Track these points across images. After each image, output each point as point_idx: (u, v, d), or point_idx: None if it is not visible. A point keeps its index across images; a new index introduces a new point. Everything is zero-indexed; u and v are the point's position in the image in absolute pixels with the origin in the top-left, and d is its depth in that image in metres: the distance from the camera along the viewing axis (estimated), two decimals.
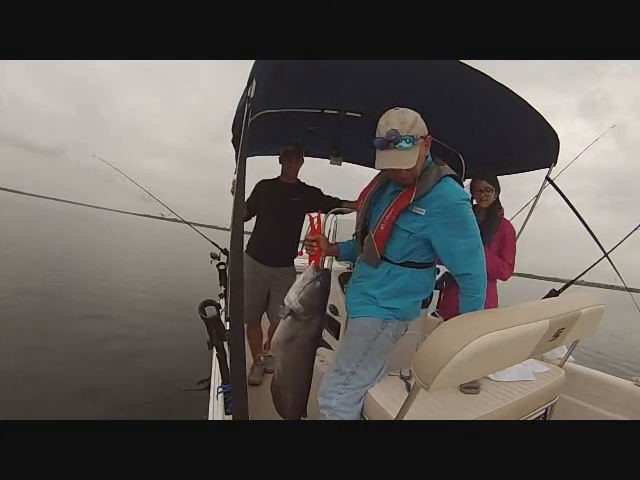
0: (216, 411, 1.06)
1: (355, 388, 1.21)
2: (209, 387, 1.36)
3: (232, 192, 1.76)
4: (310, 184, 2.28)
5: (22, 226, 16.05)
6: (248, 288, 2.08)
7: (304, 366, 1.26)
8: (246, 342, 2.08)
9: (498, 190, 1.82)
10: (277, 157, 2.27)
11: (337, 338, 1.75)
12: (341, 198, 2.25)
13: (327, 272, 1.30)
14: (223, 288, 2.39)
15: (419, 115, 1.13)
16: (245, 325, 2.17)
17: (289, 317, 1.19)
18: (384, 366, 1.28)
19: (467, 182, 2.48)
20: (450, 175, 1.16)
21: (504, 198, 1.83)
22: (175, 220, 3.02)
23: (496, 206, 1.83)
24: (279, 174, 2.26)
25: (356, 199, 1.45)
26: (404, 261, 1.23)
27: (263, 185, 2.23)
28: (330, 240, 1.52)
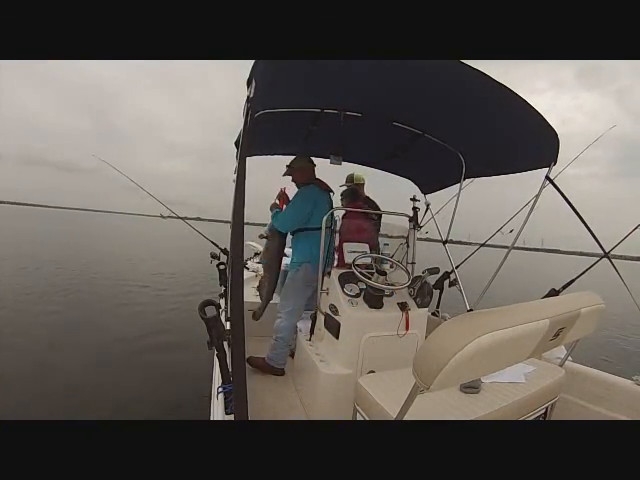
0: (216, 411, 1.06)
1: (282, 314, 2.17)
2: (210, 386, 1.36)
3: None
4: None
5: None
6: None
7: (273, 263, 2.36)
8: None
9: None
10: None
11: (337, 337, 1.74)
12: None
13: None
14: (223, 288, 2.40)
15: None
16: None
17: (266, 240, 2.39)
18: (297, 300, 2.17)
19: (467, 182, 2.49)
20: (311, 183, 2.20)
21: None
22: (180, 219, 3.02)
23: None
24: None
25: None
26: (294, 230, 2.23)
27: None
28: None
